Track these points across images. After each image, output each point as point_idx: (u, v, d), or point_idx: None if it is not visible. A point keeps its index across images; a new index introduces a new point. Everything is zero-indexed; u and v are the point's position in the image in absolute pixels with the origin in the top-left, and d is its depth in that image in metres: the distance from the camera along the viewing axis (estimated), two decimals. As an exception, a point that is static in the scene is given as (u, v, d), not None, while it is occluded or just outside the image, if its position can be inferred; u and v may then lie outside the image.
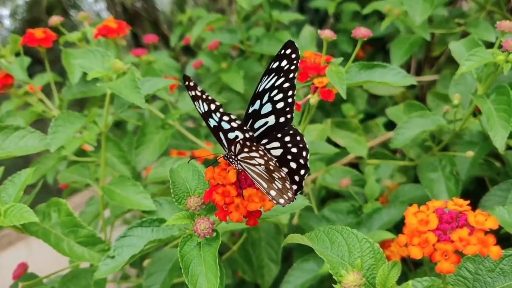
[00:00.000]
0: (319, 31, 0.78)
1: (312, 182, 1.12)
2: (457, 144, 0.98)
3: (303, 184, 0.56)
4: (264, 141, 0.58)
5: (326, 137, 1.07)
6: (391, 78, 0.81)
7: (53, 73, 1.21)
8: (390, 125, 1.20)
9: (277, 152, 0.57)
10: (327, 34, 0.78)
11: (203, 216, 0.58)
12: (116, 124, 1.52)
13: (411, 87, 1.45)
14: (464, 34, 1.25)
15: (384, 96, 1.51)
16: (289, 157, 0.56)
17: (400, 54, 1.15)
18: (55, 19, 1.03)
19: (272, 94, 0.58)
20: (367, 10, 1.33)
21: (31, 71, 1.06)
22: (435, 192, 0.89)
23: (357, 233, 0.52)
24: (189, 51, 2.04)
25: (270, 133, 0.59)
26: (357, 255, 0.50)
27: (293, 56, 0.58)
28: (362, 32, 0.76)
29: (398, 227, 0.96)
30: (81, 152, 1.11)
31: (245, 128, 0.54)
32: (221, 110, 0.53)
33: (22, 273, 0.91)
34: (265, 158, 0.51)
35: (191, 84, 0.53)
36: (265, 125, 0.59)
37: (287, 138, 0.57)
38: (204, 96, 0.53)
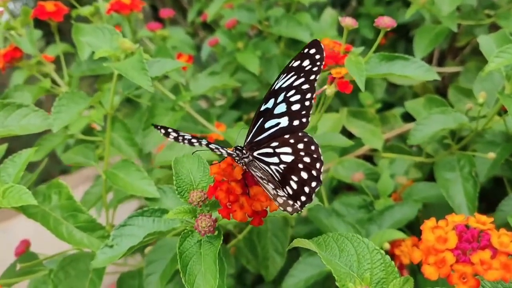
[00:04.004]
0: (340, 18, 0.74)
1: (324, 172, 1.08)
2: (477, 142, 0.94)
3: (313, 198, 0.52)
4: (275, 143, 0.54)
5: (342, 126, 1.03)
6: (412, 71, 0.77)
7: (67, 44, 1.17)
8: (408, 116, 1.16)
9: (288, 158, 0.53)
10: (348, 22, 0.73)
11: (206, 212, 0.55)
12: (128, 99, 1.49)
13: (433, 78, 1.40)
14: (493, 26, 1.20)
15: (403, 86, 1.46)
16: (300, 165, 0.52)
17: (424, 45, 1.09)
18: (67, -8, 1.00)
19: (288, 94, 0.55)
20: (391, -5, 1.27)
21: (48, 41, 1.03)
22: (451, 193, 0.85)
23: (368, 243, 0.48)
24: (208, 26, 1.99)
25: (281, 136, 0.55)
26: (367, 266, 0.47)
27: (317, 57, 0.54)
28: (385, 22, 0.71)
29: (409, 226, 0.93)
30: (90, 130, 1.09)
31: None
32: (203, 142, 0.50)
33: (24, 250, 0.90)
34: (267, 176, 0.48)
35: (161, 130, 0.49)
36: (276, 125, 0.55)
37: (300, 146, 0.53)
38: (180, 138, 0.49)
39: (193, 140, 0.48)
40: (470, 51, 1.44)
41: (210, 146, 0.49)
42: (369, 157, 1.17)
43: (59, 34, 1.01)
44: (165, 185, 0.73)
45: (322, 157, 0.52)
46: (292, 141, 0.54)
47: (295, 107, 0.54)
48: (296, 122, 0.54)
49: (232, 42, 1.36)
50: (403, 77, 0.77)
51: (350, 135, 1.03)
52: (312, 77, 0.54)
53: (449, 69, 1.35)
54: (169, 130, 0.49)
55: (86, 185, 1.09)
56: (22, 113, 0.70)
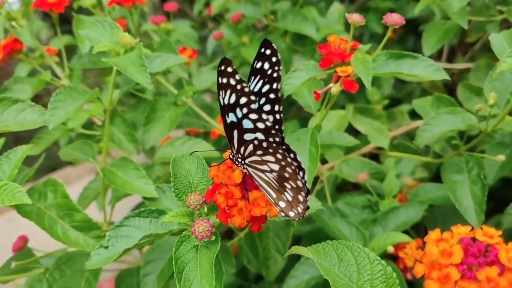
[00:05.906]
0: (347, 14, 0.71)
1: (328, 170, 1.06)
2: (486, 143, 0.91)
3: (307, 204, 0.50)
4: (259, 152, 0.50)
5: (347, 123, 1.01)
6: (421, 70, 0.74)
7: (71, 36, 1.15)
8: (415, 113, 1.14)
9: (276, 167, 0.49)
10: (355, 18, 0.71)
11: (204, 216, 0.53)
12: (131, 92, 1.47)
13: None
14: (504, 22, 1.16)
15: (412, 82, 1.43)
16: (286, 175, 0.49)
17: (433, 42, 1.06)
18: (67, -17, 0.98)
19: (261, 102, 0.51)
20: (401, -11, 1.24)
21: (57, 31, 1.01)
22: (458, 195, 0.83)
23: (369, 253, 0.46)
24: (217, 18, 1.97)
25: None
26: (367, 277, 0.45)
27: (274, 59, 0.49)
28: (394, 19, 0.69)
29: (414, 226, 0.90)
30: (91, 124, 1.07)
31: (273, 131, 0.46)
32: (252, 106, 0.45)
33: (21, 246, 0.89)
34: (282, 163, 0.45)
35: (229, 70, 0.44)
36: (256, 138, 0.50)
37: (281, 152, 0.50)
38: (239, 87, 0.44)
39: (243, 99, 0.44)
40: (480, 47, 1.40)
41: (251, 116, 0.46)
42: (374, 155, 1.15)
43: (66, 24, 0.99)
44: (164, 184, 0.72)
45: (302, 164, 0.49)
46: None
47: (270, 119, 0.50)
48: (271, 139, 0.50)
49: (237, 36, 1.34)
50: (411, 77, 0.75)
51: (356, 132, 1.01)
52: (275, 85, 0.50)
53: (458, 65, 1.32)
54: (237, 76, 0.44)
55: (92, 176, 1.07)
56: (18, 108, 0.68)
